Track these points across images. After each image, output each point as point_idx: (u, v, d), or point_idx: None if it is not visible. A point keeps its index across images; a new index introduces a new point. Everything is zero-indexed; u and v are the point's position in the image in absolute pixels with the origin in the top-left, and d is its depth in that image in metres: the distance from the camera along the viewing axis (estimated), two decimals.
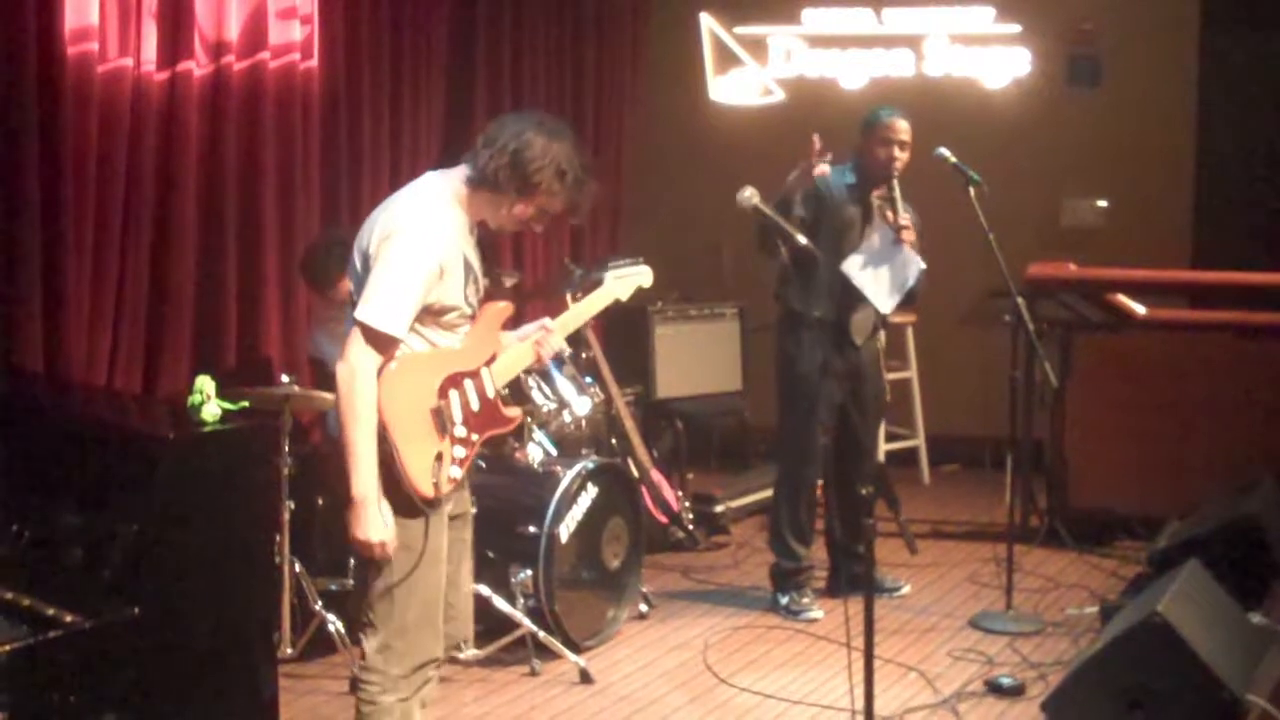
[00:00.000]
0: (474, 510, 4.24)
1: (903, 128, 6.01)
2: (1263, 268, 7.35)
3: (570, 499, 5.68)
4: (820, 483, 6.40)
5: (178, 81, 5.89)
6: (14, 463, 4.36)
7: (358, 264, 3.82)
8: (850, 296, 6.04)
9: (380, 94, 7.04)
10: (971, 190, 5.96)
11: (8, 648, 3.61)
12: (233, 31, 6.09)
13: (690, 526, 7.04)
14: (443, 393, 3.86)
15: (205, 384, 4.32)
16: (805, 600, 6.22)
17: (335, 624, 5.34)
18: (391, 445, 3.74)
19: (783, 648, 5.87)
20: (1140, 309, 7.47)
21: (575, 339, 6.29)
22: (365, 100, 6.94)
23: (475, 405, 3.94)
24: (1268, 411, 6.97)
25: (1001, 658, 5.67)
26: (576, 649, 5.58)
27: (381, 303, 3.69)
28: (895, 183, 6.00)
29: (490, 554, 5.59)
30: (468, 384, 3.93)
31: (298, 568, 5.42)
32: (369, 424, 3.69)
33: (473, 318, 3.97)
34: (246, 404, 4.50)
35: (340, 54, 6.77)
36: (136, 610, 3.87)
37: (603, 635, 5.86)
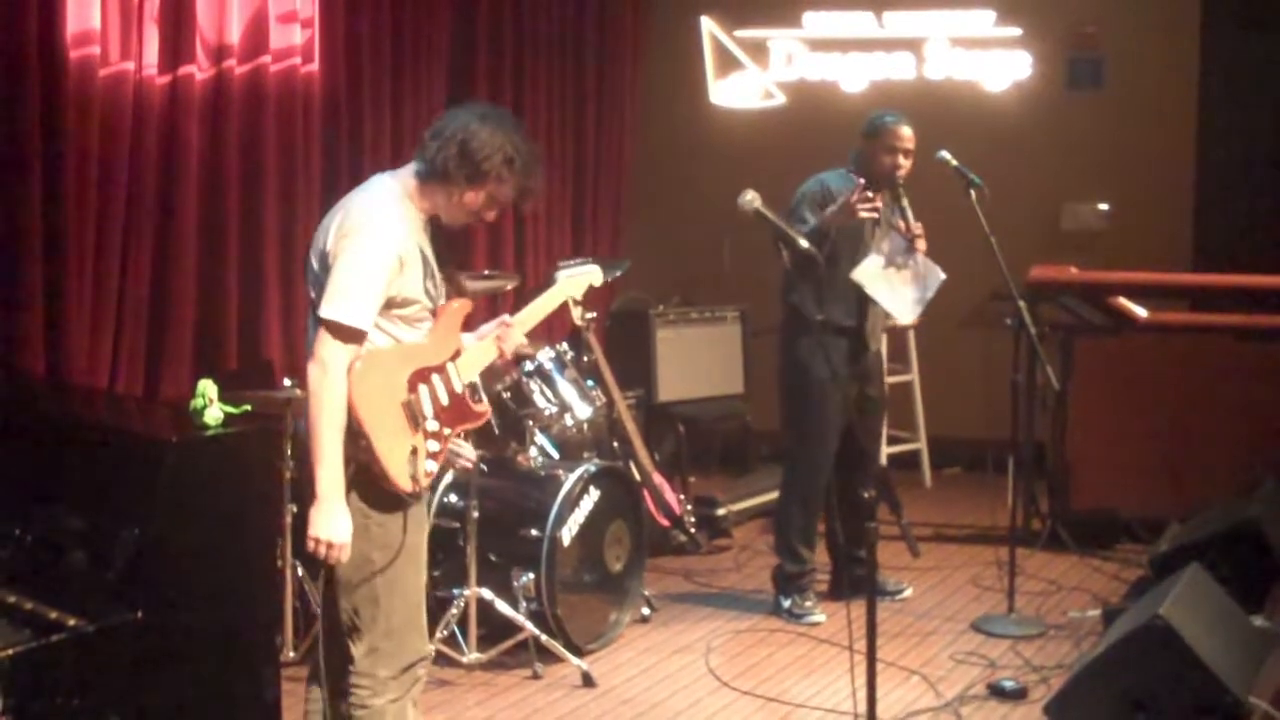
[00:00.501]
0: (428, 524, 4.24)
1: (907, 135, 6.01)
2: (1264, 270, 7.35)
3: (572, 502, 5.68)
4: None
5: (179, 85, 5.90)
6: (16, 466, 4.37)
7: (315, 265, 3.85)
8: (865, 301, 6.04)
9: (381, 98, 7.05)
10: (973, 193, 5.96)
11: (10, 651, 3.61)
12: (234, 35, 6.10)
13: (692, 530, 7.03)
14: (412, 387, 3.89)
15: (207, 388, 4.33)
16: (808, 604, 6.22)
17: None
18: (368, 441, 3.76)
19: (785, 651, 5.87)
20: (1141, 312, 7.47)
21: (577, 342, 6.29)
22: (366, 104, 6.95)
23: (444, 400, 3.97)
24: (1269, 414, 6.97)
25: (1004, 661, 5.67)
26: (579, 652, 5.58)
27: (346, 298, 3.72)
28: (903, 191, 6.00)
29: (492, 557, 5.60)
30: (435, 379, 3.96)
31: (300, 571, 5.42)
32: (338, 421, 3.71)
33: (434, 314, 4.00)
34: (248, 408, 4.50)
35: (341, 58, 6.78)
36: (139, 613, 3.87)
37: (605, 639, 5.86)
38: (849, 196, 5.70)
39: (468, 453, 5.52)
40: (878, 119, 6.09)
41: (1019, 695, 5.28)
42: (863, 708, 4.17)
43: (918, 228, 5.98)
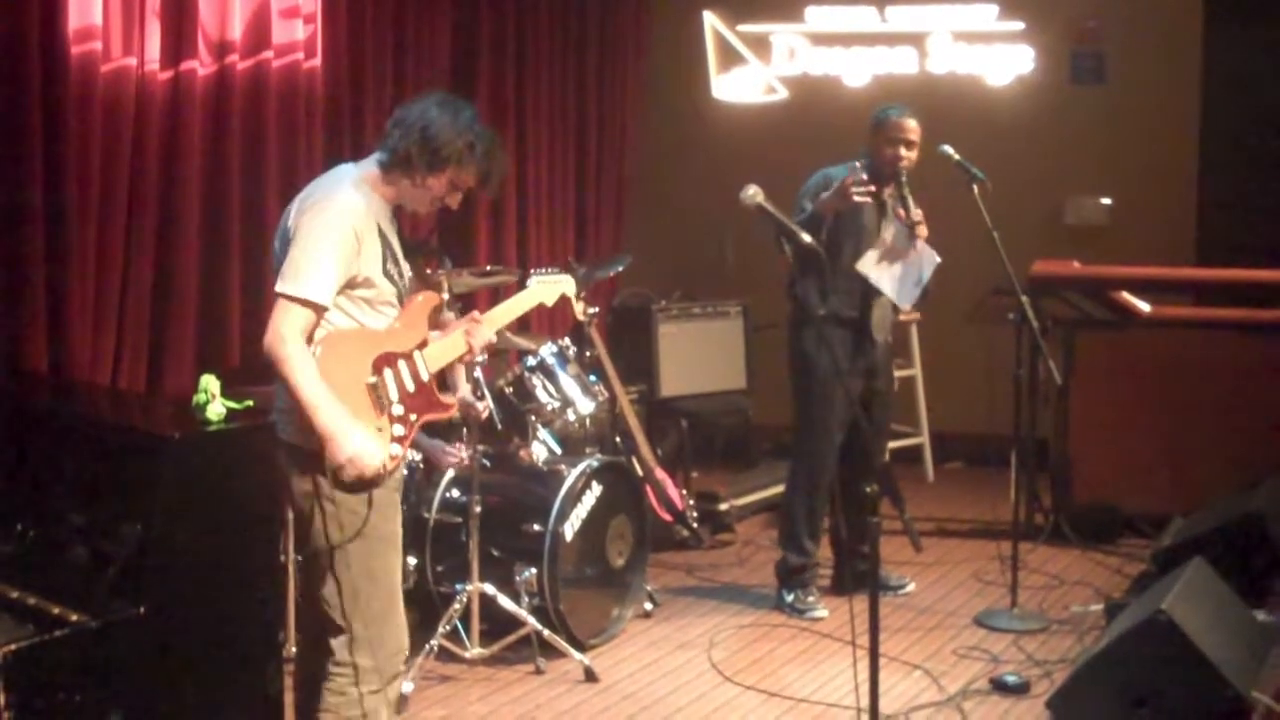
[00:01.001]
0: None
1: (910, 126, 6.03)
2: (1267, 265, 7.35)
3: (575, 497, 5.68)
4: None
5: (181, 81, 5.89)
6: (19, 462, 4.37)
7: (278, 248, 3.92)
8: (870, 294, 6.04)
9: (383, 93, 7.05)
10: (975, 188, 5.97)
11: (13, 646, 3.61)
12: (236, 31, 6.10)
13: (694, 525, 7.04)
14: (377, 370, 3.94)
15: (210, 383, 4.32)
16: (810, 599, 6.22)
17: None
18: None
19: (787, 646, 5.87)
20: (1144, 306, 7.46)
21: (579, 337, 6.30)
22: (368, 99, 6.94)
23: (410, 386, 4.02)
24: (1272, 409, 6.97)
25: (1006, 655, 5.67)
26: (581, 647, 5.58)
27: (303, 273, 3.79)
28: (905, 180, 6.00)
29: (495, 552, 5.60)
30: (401, 364, 4.01)
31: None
32: (311, 370, 3.77)
33: (402, 304, 4.06)
34: (250, 403, 4.49)
35: (343, 53, 6.78)
36: (141, 609, 3.87)
37: (607, 634, 5.86)
38: (844, 180, 5.72)
39: (456, 455, 5.59)
40: (881, 112, 6.12)
41: (1022, 690, 5.29)
42: (865, 702, 4.17)
43: (917, 214, 5.98)
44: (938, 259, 6.05)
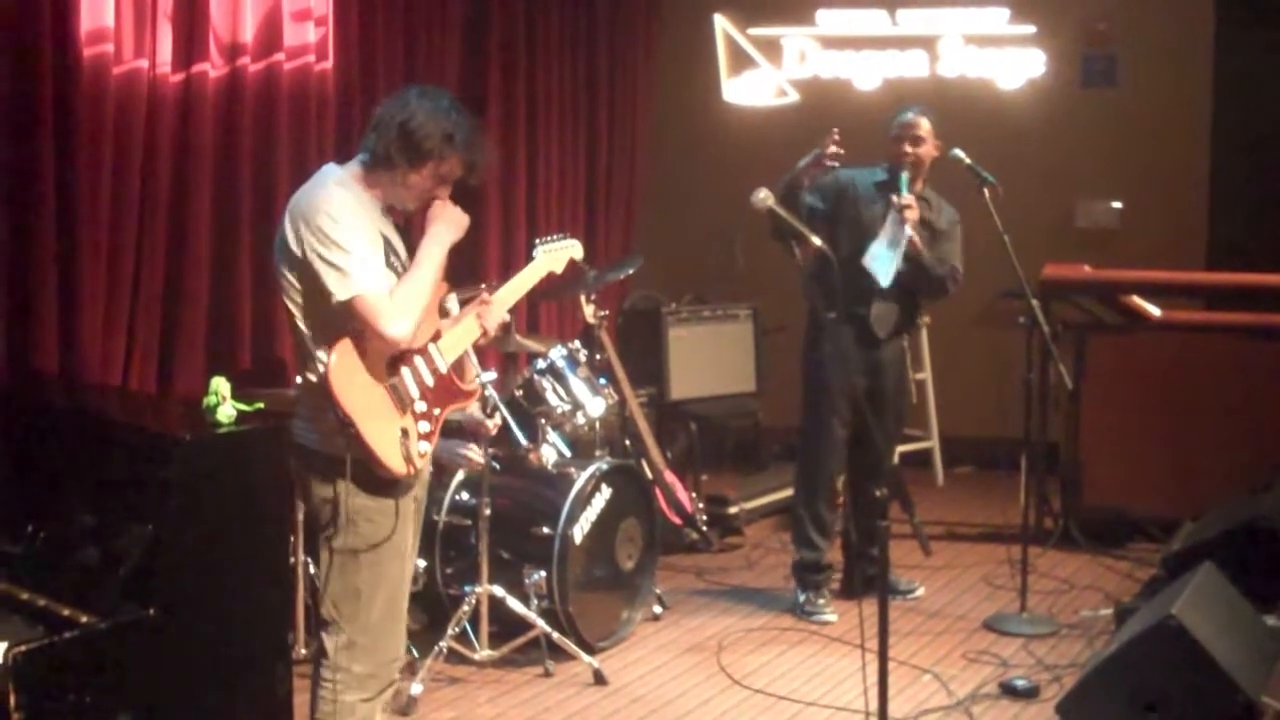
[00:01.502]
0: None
1: (911, 122, 6.08)
2: (1277, 269, 7.33)
3: (584, 500, 5.68)
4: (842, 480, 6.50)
5: (193, 83, 5.90)
6: (29, 463, 4.38)
7: (281, 262, 3.89)
8: (871, 291, 6.04)
9: None
10: (986, 191, 5.96)
11: (23, 648, 3.61)
12: (248, 33, 6.10)
13: (704, 528, 7.03)
14: (394, 369, 3.92)
15: (220, 385, 4.33)
16: (821, 602, 6.22)
17: None
18: (355, 428, 3.78)
19: (797, 649, 5.87)
20: (1155, 311, 7.45)
21: (589, 340, 6.30)
22: (379, 102, 6.91)
23: (429, 380, 4.00)
24: None
25: (1016, 660, 5.67)
26: (590, 650, 5.58)
27: (355, 270, 3.76)
28: (904, 174, 6.01)
29: (504, 555, 5.60)
30: (418, 360, 3.99)
31: (311, 568, 5.42)
32: (420, 282, 3.87)
33: None
34: (261, 405, 4.50)
35: (355, 55, 6.78)
36: (151, 610, 3.88)
37: (617, 636, 5.86)
38: (821, 146, 5.73)
39: (475, 455, 5.57)
40: (894, 114, 6.18)
41: (1031, 694, 5.28)
42: (874, 706, 4.17)
43: (908, 199, 5.97)
44: (909, 232, 5.95)
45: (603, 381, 6.21)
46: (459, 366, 4.13)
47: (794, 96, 9.14)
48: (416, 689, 5.09)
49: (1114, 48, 8.74)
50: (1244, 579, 5.22)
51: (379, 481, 3.88)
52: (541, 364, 5.99)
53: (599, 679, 5.44)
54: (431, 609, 5.64)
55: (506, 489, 5.76)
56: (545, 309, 8.01)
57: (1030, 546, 6.30)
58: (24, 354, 5.26)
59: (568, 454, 6.14)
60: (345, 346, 3.84)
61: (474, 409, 5.30)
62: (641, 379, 7.41)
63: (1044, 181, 8.47)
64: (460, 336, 4.14)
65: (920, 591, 6.55)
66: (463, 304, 4.30)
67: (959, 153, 6.07)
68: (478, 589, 5.46)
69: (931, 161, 6.14)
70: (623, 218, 8.97)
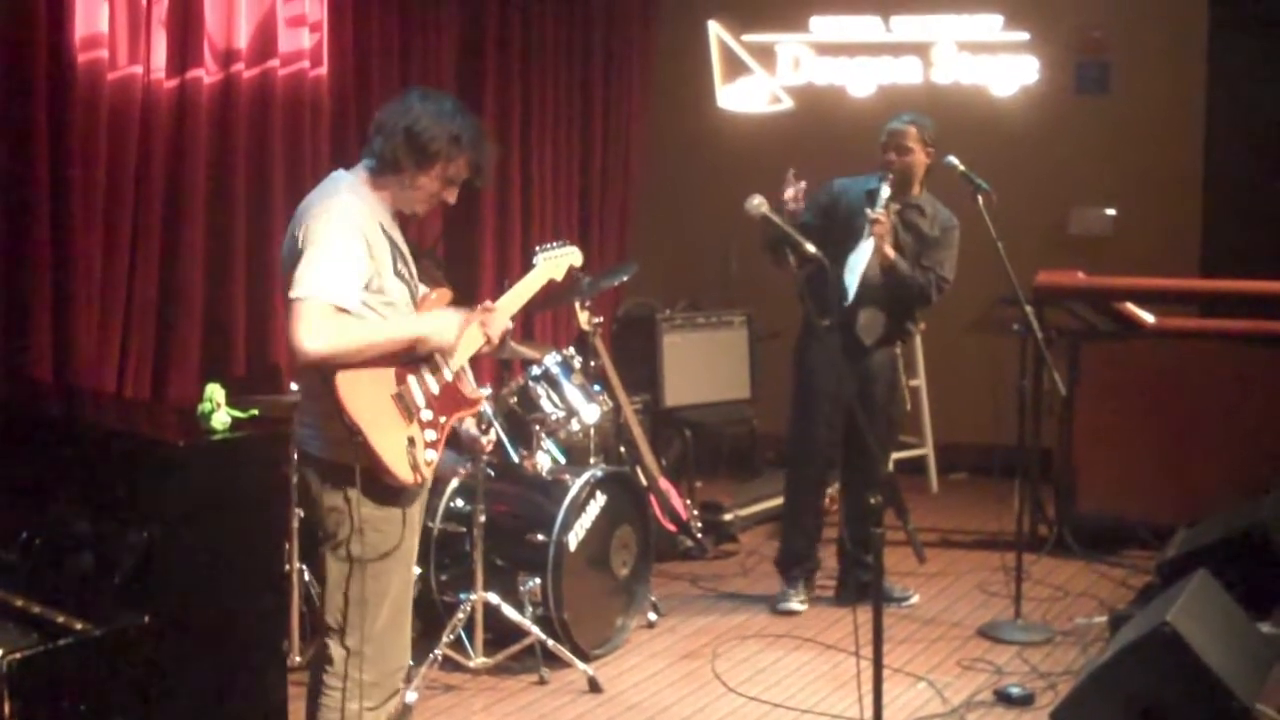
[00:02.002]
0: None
1: (897, 131, 6.15)
2: (1272, 276, 7.34)
3: (579, 507, 5.68)
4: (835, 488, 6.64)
5: (187, 89, 5.91)
6: (24, 469, 4.37)
7: (288, 268, 3.85)
8: (858, 299, 6.05)
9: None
10: (980, 198, 5.97)
11: (18, 655, 3.61)
12: (242, 39, 6.11)
13: (698, 535, 7.03)
14: (400, 379, 3.90)
15: (215, 392, 4.32)
16: (791, 591, 6.41)
17: None
18: (363, 437, 3.77)
19: (792, 656, 5.87)
20: (1149, 317, 7.46)
21: (584, 347, 6.30)
22: (374, 108, 6.85)
23: (435, 388, 3.99)
24: (1277, 420, 6.96)
25: (1010, 667, 5.67)
26: (585, 657, 5.58)
27: (321, 276, 3.72)
28: (884, 186, 6.04)
29: (499, 562, 5.60)
30: (423, 368, 3.98)
31: (306, 575, 5.42)
32: (356, 328, 3.76)
33: (415, 306, 4.03)
34: (256, 412, 4.50)
35: (349, 62, 6.79)
36: (146, 617, 3.87)
37: (611, 643, 5.85)
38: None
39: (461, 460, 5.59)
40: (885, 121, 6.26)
41: (1026, 701, 5.28)
42: (869, 714, 4.17)
43: (878, 214, 5.99)
44: (868, 253, 6.00)
45: (597, 388, 6.21)
46: (461, 376, 4.12)
47: (788, 103, 9.15)
48: (411, 696, 5.08)
49: (1108, 55, 8.75)
50: (1239, 586, 5.23)
51: (387, 490, 3.87)
52: (536, 371, 5.99)
53: (594, 686, 5.44)
54: (426, 616, 5.63)
55: (501, 496, 5.75)
56: (540, 316, 8.00)
57: (1025, 553, 6.29)
58: (18, 360, 5.25)
59: (562, 461, 6.14)
60: None
61: (469, 424, 5.29)
62: (636, 386, 7.42)
63: (1038, 188, 8.49)
64: (464, 345, 4.12)
65: (915, 599, 6.55)
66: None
67: (953, 160, 6.08)
68: (472, 596, 5.45)
69: (925, 169, 6.16)
70: (617, 224, 8.97)
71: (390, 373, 3.88)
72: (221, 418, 4.27)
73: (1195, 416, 7.14)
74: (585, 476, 5.75)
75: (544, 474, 5.84)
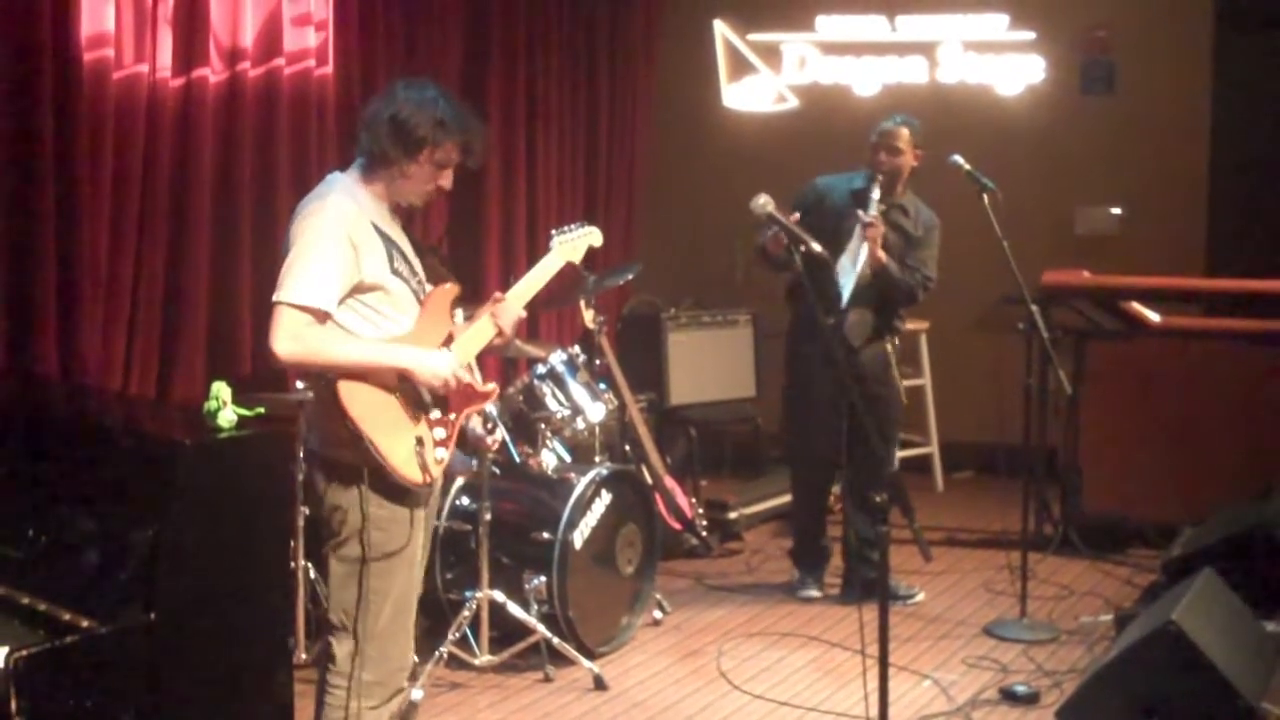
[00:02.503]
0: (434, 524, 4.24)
1: (889, 131, 6.20)
2: (1277, 275, 7.33)
3: (584, 506, 5.68)
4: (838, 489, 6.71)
5: (193, 88, 5.91)
6: (30, 467, 4.37)
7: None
8: (843, 300, 6.08)
9: None
10: (985, 198, 5.97)
11: (24, 652, 3.61)
12: (248, 38, 6.11)
13: (704, 533, 7.03)
14: (405, 377, 3.87)
15: (221, 390, 4.32)
16: (808, 580, 6.57)
17: None
18: (369, 441, 3.75)
19: (797, 654, 5.87)
20: (1155, 316, 7.45)
21: (589, 345, 6.30)
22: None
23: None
24: None
25: (1016, 665, 5.67)
26: (590, 655, 5.58)
27: (296, 279, 3.72)
28: (875, 187, 6.09)
29: (504, 560, 5.60)
30: None
31: (312, 573, 5.42)
32: (333, 342, 3.75)
33: (420, 302, 3.99)
34: (262, 410, 4.50)
35: (355, 60, 6.79)
36: (152, 615, 3.87)
37: (617, 641, 5.86)
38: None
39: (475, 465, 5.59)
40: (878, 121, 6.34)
41: (1031, 700, 5.28)
42: (875, 712, 4.17)
43: (872, 217, 6.02)
44: (860, 258, 6.02)
45: (602, 386, 6.21)
46: (470, 370, 4.09)
47: (793, 102, 9.16)
48: (417, 694, 5.08)
49: (1113, 54, 8.74)
50: (1244, 585, 5.23)
51: (396, 489, 3.85)
52: (541, 369, 5.99)
53: (599, 684, 5.44)
54: (431, 614, 5.64)
55: (507, 494, 5.76)
56: (545, 314, 8.01)
57: (1030, 552, 6.30)
58: (24, 358, 5.26)
59: (568, 459, 6.14)
60: None
61: (475, 424, 5.29)
62: (641, 384, 7.41)
63: (1043, 187, 8.47)
64: (474, 338, 4.09)
65: (920, 597, 6.55)
66: (467, 318, 4.25)
67: (958, 159, 6.08)
68: (478, 594, 5.46)
69: (911, 170, 6.20)
70: (622, 223, 8.97)
71: (395, 372, 3.86)
72: (227, 416, 4.27)
73: (1201, 415, 7.13)
74: (590, 475, 5.76)
75: (549, 472, 5.85)
